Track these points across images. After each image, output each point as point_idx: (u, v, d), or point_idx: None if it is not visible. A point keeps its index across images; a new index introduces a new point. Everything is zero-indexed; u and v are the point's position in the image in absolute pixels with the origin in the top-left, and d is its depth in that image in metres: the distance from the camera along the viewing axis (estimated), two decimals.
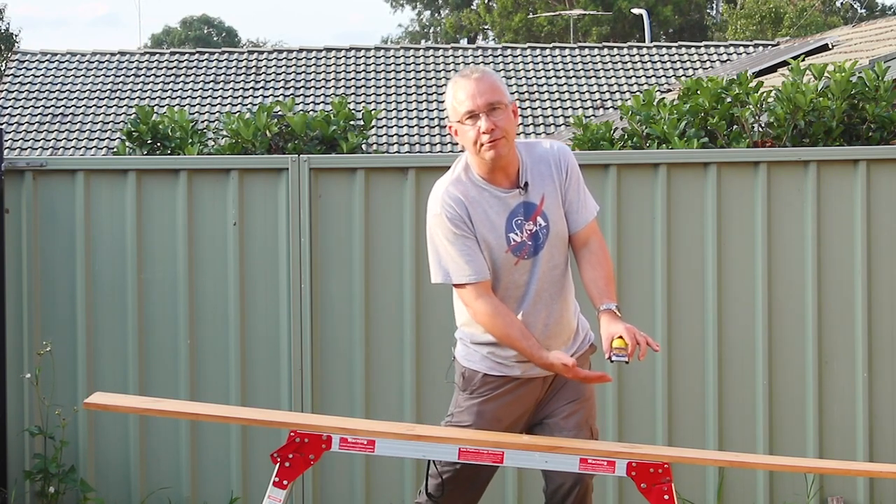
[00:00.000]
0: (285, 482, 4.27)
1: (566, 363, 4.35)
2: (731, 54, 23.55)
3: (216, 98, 21.96)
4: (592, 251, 4.47)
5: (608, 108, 21.23)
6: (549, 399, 4.55)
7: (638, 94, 7.71)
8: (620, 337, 4.24)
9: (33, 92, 22.05)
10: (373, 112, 7.63)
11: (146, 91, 22.07)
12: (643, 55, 23.57)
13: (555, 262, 4.46)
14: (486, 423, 4.49)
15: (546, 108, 21.96)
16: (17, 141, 20.62)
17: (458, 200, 4.39)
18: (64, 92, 22.06)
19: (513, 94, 21.98)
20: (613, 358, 4.26)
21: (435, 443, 4.28)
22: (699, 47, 24.18)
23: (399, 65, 23.04)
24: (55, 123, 21.29)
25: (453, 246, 4.38)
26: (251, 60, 23.21)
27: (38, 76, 22.51)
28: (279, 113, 7.47)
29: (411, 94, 22.15)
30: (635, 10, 36.41)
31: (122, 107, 21.51)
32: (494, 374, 4.51)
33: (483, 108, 4.31)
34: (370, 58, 23.24)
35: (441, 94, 22.17)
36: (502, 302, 4.41)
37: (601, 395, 6.63)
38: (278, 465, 4.28)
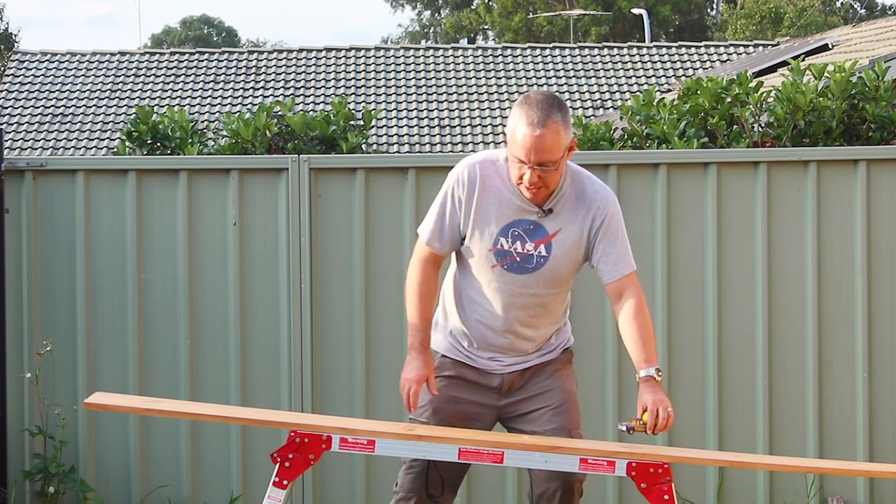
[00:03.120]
0: (285, 482, 4.27)
1: (407, 378, 4.43)
2: (731, 54, 23.55)
3: (216, 98, 21.96)
4: (631, 307, 4.38)
5: (608, 108, 21.23)
6: (523, 400, 4.52)
7: (638, 94, 7.71)
8: (646, 411, 4.24)
9: (33, 92, 22.05)
10: (373, 112, 7.63)
11: (146, 91, 22.07)
12: (643, 55, 23.57)
13: (535, 292, 4.42)
14: (443, 401, 4.51)
15: None
16: (17, 141, 20.61)
17: (474, 178, 4.39)
18: (64, 92, 22.06)
19: (513, 94, 22.00)
20: (624, 426, 4.29)
21: (435, 443, 4.28)
22: (699, 47, 24.18)
23: (399, 65, 23.03)
24: (55, 123, 21.29)
25: (439, 206, 4.46)
26: (251, 60, 23.21)
27: (38, 76, 22.50)
28: (279, 113, 7.47)
29: (411, 94, 22.15)
30: (635, 10, 36.41)
31: (122, 107, 21.50)
32: (450, 356, 4.56)
33: (532, 164, 4.26)
34: (370, 58, 23.23)
35: (441, 93, 22.16)
36: (473, 284, 4.45)
37: (601, 396, 6.63)
38: (278, 465, 4.28)
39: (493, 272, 4.42)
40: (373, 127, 7.84)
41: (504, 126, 4.42)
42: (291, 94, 21.23)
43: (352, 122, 7.50)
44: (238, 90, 22.18)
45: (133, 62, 23.06)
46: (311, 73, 22.61)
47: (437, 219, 4.46)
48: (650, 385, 4.27)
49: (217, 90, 22.20)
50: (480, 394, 4.54)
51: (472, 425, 4.52)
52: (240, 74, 22.65)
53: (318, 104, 21.10)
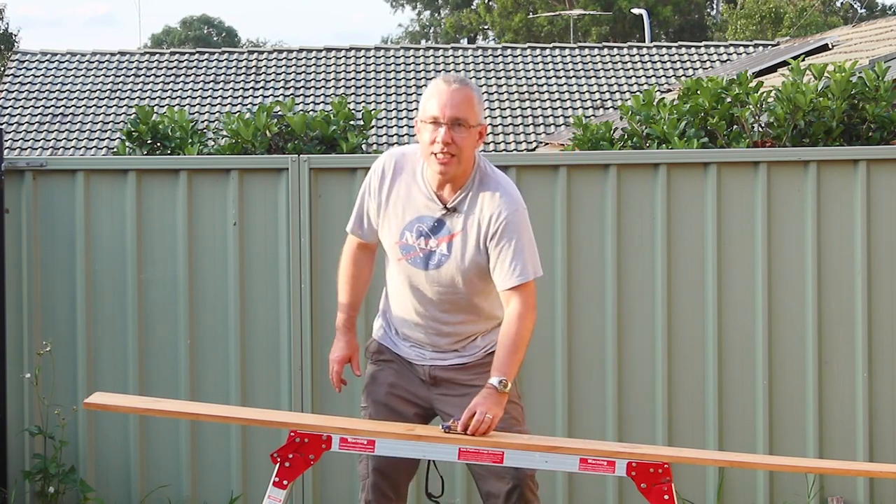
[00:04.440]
0: (285, 482, 4.27)
1: (330, 358, 4.65)
2: (731, 54, 23.56)
3: (216, 98, 21.97)
4: (510, 317, 4.37)
5: (608, 108, 21.23)
6: (455, 397, 4.50)
7: (638, 94, 7.71)
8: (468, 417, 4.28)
9: (33, 92, 22.06)
10: (373, 112, 7.63)
11: (146, 91, 22.08)
12: (643, 55, 23.58)
13: (440, 290, 4.44)
14: (380, 385, 4.60)
15: (546, 108, 21.96)
16: (17, 141, 20.62)
17: (388, 170, 4.47)
18: (64, 92, 22.06)
19: (513, 94, 22.01)
20: (441, 425, 4.36)
21: (434, 443, 4.28)
22: (699, 47, 24.20)
23: (399, 65, 23.05)
24: (55, 123, 21.30)
25: (360, 195, 4.58)
26: (251, 60, 23.22)
27: (38, 76, 22.51)
28: (279, 113, 7.47)
29: (411, 94, 22.16)
30: (635, 10, 36.42)
31: (122, 107, 21.52)
32: (383, 342, 4.65)
33: (448, 120, 4.28)
34: (370, 58, 23.24)
35: None
36: (391, 274, 4.56)
37: (601, 396, 6.63)
38: (278, 465, 4.28)
39: (400, 265, 4.50)
40: (373, 127, 7.83)
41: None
42: (291, 94, 21.23)
43: (352, 122, 7.50)
44: (238, 90, 22.19)
45: (133, 62, 23.07)
46: (311, 73, 22.62)
47: (358, 208, 4.60)
48: (486, 392, 4.30)
49: (217, 90, 22.21)
50: (412, 382, 4.59)
51: (407, 410, 4.56)
52: (240, 74, 22.66)
53: (318, 104, 21.11)
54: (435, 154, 4.30)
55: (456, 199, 4.39)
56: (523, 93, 22.20)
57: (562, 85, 22.54)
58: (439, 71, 22.78)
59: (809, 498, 6.69)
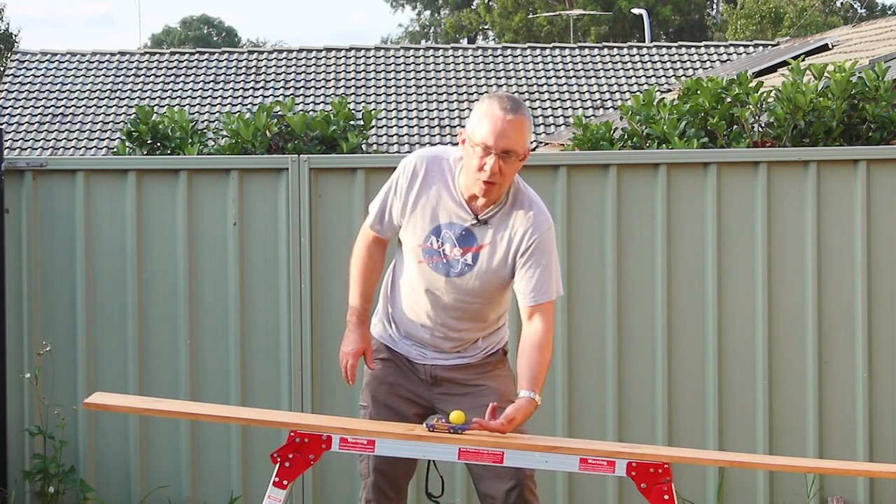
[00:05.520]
0: (285, 482, 4.27)
1: (344, 351, 4.61)
2: (731, 54, 23.56)
3: (216, 98, 21.97)
4: (536, 335, 4.37)
5: (608, 108, 21.23)
6: (454, 396, 4.51)
7: (638, 94, 7.71)
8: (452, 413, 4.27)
9: (33, 92, 22.06)
10: (373, 112, 7.63)
11: (146, 91, 22.08)
12: (643, 55, 23.58)
13: (457, 297, 4.43)
14: (382, 384, 4.61)
15: (546, 108, 21.96)
16: (17, 141, 20.62)
17: (419, 171, 4.43)
18: (64, 92, 22.06)
19: (513, 94, 22.01)
20: (425, 424, 4.32)
21: (435, 443, 4.28)
22: (699, 47, 24.20)
23: (399, 65, 23.04)
24: (55, 123, 21.30)
25: (385, 191, 4.53)
26: (251, 60, 23.22)
27: (38, 76, 22.51)
28: (279, 113, 7.47)
29: (411, 94, 22.16)
30: (635, 10, 36.42)
31: (122, 107, 21.52)
32: (383, 341, 4.64)
33: (499, 150, 4.26)
34: (370, 58, 23.24)
35: (441, 93, 22.15)
36: (404, 274, 4.49)
37: (601, 396, 6.63)
38: (278, 465, 4.28)
39: (420, 268, 4.46)
40: (373, 127, 7.83)
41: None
42: (291, 94, 21.24)
43: (352, 122, 7.49)
44: (238, 90, 22.19)
45: (133, 62, 23.07)
46: (311, 73, 22.62)
47: (381, 203, 4.55)
48: (527, 404, 4.28)
49: (217, 90, 22.21)
50: (413, 381, 4.59)
51: (408, 410, 4.57)
52: (240, 74, 22.66)
53: (318, 104, 21.11)
54: (479, 180, 4.30)
55: (489, 212, 4.39)
56: (523, 93, 22.20)
57: (562, 85, 22.54)
58: (439, 71, 22.78)
59: (809, 498, 6.69)
